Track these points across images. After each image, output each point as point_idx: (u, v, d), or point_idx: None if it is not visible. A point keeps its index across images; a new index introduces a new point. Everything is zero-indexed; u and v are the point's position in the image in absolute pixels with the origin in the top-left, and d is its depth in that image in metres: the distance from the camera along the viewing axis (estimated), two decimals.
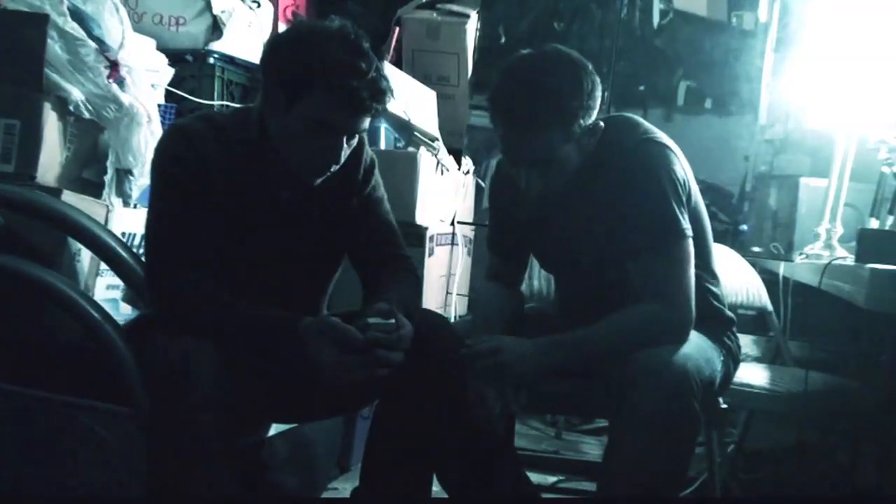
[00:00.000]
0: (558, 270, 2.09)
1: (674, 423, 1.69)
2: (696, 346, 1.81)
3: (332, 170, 1.75)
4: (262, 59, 1.75)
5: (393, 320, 1.63)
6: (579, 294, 2.01)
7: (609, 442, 1.85)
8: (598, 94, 1.80)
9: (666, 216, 1.81)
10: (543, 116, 1.76)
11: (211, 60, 2.73)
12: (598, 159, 1.85)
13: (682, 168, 1.87)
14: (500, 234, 2.10)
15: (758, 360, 2.94)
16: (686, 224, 1.82)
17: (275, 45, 1.74)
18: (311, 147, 1.71)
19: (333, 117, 1.68)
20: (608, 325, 1.80)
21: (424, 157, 2.93)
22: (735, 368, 2.02)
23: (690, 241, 1.83)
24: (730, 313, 2.03)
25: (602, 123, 1.84)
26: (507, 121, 1.79)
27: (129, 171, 2.21)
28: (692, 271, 1.82)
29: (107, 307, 1.82)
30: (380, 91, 1.70)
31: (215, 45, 2.75)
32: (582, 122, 1.79)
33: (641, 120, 1.93)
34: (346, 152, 1.75)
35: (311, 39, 1.70)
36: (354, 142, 1.77)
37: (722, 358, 1.92)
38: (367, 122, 1.73)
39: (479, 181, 3.80)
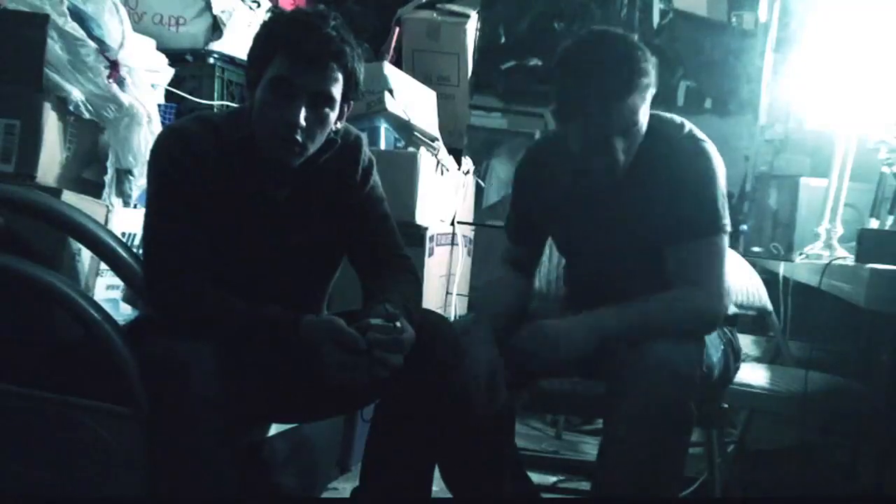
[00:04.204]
0: (583, 256, 2.07)
1: (667, 419, 1.70)
2: (696, 339, 1.82)
3: (298, 138, 1.70)
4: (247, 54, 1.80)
5: (395, 323, 1.63)
6: (600, 282, 2.01)
7: (603, 438, 1.86)
8: (654, 69, 1.84)
9: (712, 209, 1.86)
10: (630, 80, 1.78)
11: (211, 60, 2.73)
12: (644, 147, 1.88)
13: (722, 167, 1.92)
14: (520, 221, 2.12)
15: (758, 360, 2.94)
16: (727, 220, 1.87)
17: (254, 36, 1.79)
18: (272, 110, 1.71)
19: (287, 72, 1.69)
20: (654, 304, 1.82)
21: (424, 157, 2.93)
22: (736, 362, 2.02)
23: (727, 237, 1.87)
24: (734, 308, 2.06)
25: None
26: (598, 89, 1.78)
27: (128, 171, 2.21)
28: (726, 264, 1.87)
29: (107, 307, 1.82)
30: (334, 47, 1.70)
31: (215, 45, 2.75)
32: (650, 90, 1.82)
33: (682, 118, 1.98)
34: (313, 123, 1.71)
35: (277, 17, 1.79)
36: (331, 117, 1.74)
37: (722, 347, 1.92)
38: (329, 84, 1.71)
39: (479, 181, 3.81)
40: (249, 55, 1.78)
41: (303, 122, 1.70)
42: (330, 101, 1.73)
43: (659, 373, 1.70)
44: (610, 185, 1.90)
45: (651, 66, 1.81)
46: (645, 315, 1.82)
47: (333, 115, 1.75)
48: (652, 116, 1.89)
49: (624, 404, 1.72)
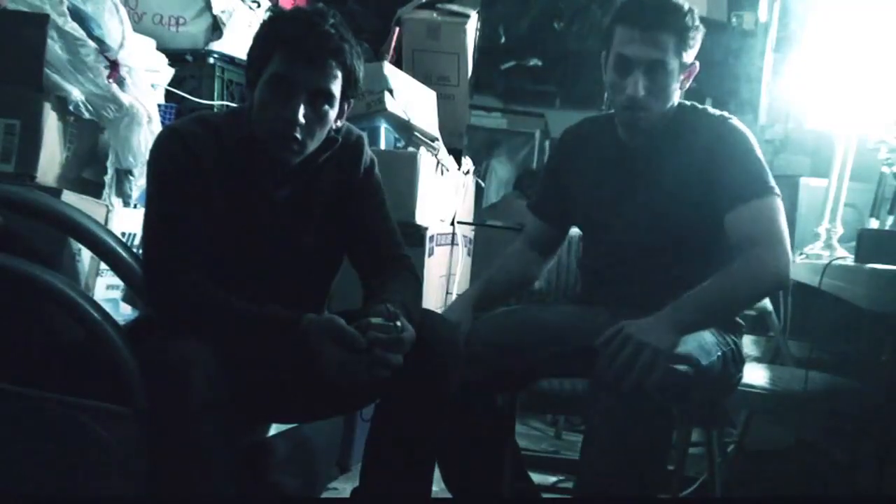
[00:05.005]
0: (606, 236, 2.08)
1: (644, 416, 1.71)
2: (692, 339, 1.82)
3: (298, 135, 1.71)
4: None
5: (396, 322, 1.63)
6: (620, 267, 2.03)
7: (584, 435, 1.87)
8: (699, 36, 1.95)
9: (756, 172, 1.93)
10: (663, 16, 1.90)
11: (211, 60, 2.73)
12: (677, 125, 1.98)
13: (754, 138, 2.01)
14: (549, 194, 2.20)
15: (758, 360, 2.93)
16: (773, 183, 1.94)
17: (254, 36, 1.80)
18: (271, 108, 1.71)
19: (286, 69, 1.70)
20: (719, 278, 1.86)
21: (424, 157, 2.93)
22: (738, 371, 2.02)
23: (779, 200, 1.94)
24: (740, 320, 2.07)
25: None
26: (632, 17, 1.91)
27: (129, 171, 2.21)
28: (785, 224, 1.92)
29: (107, 307, 1.82)
30: (332, 44, 1.70)
31: (215, 45, 2.75)
32: (689, 47, 1.92)
33: None
34: (313, 120, 1.71)
35: (275, 16, 1.82)
36: (331, 115, 1.74)
37: (720, 353, 1.92)
38: (327, 81, 1.71)
39: (479, 181, 3.81)
40: (249, 55, 1.78)
41: (302, 119, 1.70)
42: (329, 98, 1.73)
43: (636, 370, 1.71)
44: (639, 159, 2.00)
45: (696, 24, 1.92)
46: (716, 295, 1.86)
47: (333, 113, 1.76)
48: (689, 105, 2.02)
49: (602, 401, 1.73)
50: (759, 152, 1.97)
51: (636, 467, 1.73)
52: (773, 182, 1.94)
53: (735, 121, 2.00)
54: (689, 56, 1.94)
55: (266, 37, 1.74)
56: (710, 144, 1.95)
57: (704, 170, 1.94)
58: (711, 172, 1.93)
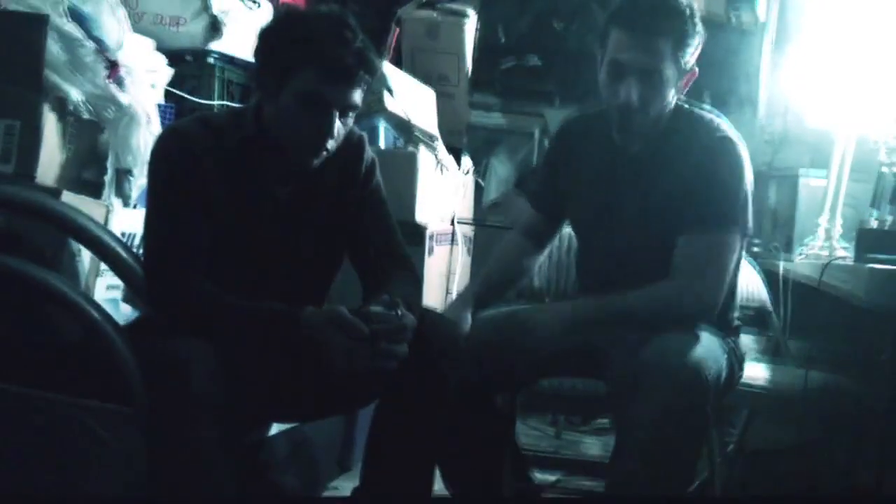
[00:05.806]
0: (597, 239, 2.08)
1: (684, 421, 1.70)
2: (706, 344, 1.82)
3: (328, 146, 1.73)
4: (254, 50, 1.77)
5: (396, 311, 1.64)
6: (612, 269, 2.02)
7: (617, 440, 1.84)
8: (700, 40, 1.87)
9: (726, 203, 1.87)
10: (659, 20, 1.83)
11: (210, 60, 2.73)
12: (672, 131, 1.93)
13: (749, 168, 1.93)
14: (546, 187, 2.17)
15: (757, 358, 2.93)
16: (744, 219, 1.88)
17: (264, 32, 1.77)
18: (303, 123, 1.71)
19: (323, 88, 1.69)
20: (636, 294, 1.84)
21: (424, 157, 2.94)
22: (739, 371, 2.02)
23: (739, 239, 1.88)
24: (738, 322, 2.07)
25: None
26: (632, 21, 1.84)
27: (128, 172, 2.21)
28: (732, 264, 1.87)
29: (107, 307, 1.82)
30: (366, 60, 1.71)
31: (215, 45, 2.75)
32: (687, 51, 1.85)
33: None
34: (339, 130, 1.74)
35: (296, 19, 1.78)
36: (350, 121, 1.77)
37: (725, 355, 1.92)
38: (357, 95, 1.73)
39: (479, 180, 3.80)
40: (266, 56, 1.74)
41: (336, 132, 1.72)
42: (356, 108, 1.76)
43: (677, 373, 1.71)
44: (633, 164, 1.95)
45: (696, 29, 1.85)
46: (625, 306, 1.85)
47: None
48: (686, 108, 1.95)
49: (643, 406, 1.71)
50: (742, 181, 1.89)
51: (674, 470, 1.73)
52: (741, 217, 1.89)
53: (732, 140, 1.92)
54: (688, 62, 1.87)
55: (293, 44, 1.70)
56: (699, 159, 1.90)
57: (690, 180, 1.90)
58: (692, 186, 1.89)
